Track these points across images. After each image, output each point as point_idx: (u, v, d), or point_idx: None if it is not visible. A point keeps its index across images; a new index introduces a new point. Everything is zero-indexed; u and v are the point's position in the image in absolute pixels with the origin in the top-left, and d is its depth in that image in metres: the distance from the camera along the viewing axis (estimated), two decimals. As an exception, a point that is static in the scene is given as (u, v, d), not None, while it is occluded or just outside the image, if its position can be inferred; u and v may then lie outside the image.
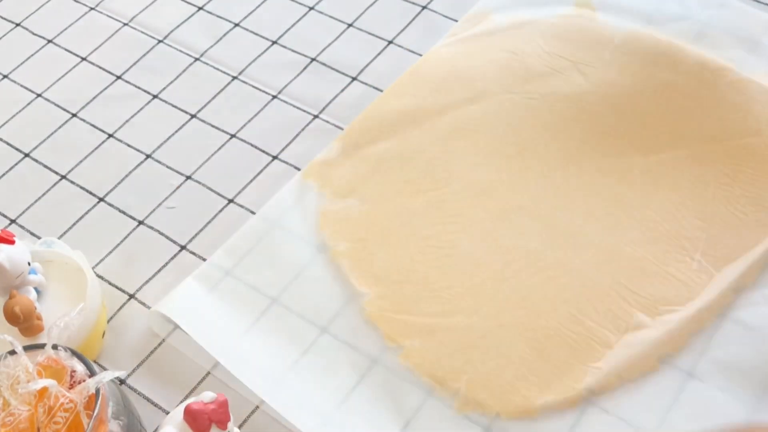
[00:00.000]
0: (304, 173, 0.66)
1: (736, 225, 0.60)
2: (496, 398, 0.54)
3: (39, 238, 0.62)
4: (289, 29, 0.77)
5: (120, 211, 0.66)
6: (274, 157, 0.68)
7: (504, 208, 0.62)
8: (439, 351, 0.56)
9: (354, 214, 0.64)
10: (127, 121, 0.71)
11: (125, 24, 0.79)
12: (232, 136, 0.70)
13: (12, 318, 0.52)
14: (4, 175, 0.69)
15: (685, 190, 0.62)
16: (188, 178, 0.67)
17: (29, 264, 0.55)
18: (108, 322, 0.59)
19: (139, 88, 0.74)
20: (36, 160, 0.69)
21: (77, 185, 0.67)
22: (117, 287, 0.61)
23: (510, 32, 0.73)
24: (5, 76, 0.76)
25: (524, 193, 0.63)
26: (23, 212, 0.66)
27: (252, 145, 0.69)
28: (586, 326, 0.56)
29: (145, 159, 0.69)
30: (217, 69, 0.74)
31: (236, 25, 0.77)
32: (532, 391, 0.54)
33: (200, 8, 0.79)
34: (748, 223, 0.60)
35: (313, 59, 0.74)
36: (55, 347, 0.48)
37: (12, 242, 0.54)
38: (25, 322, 0.53)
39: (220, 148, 0.69)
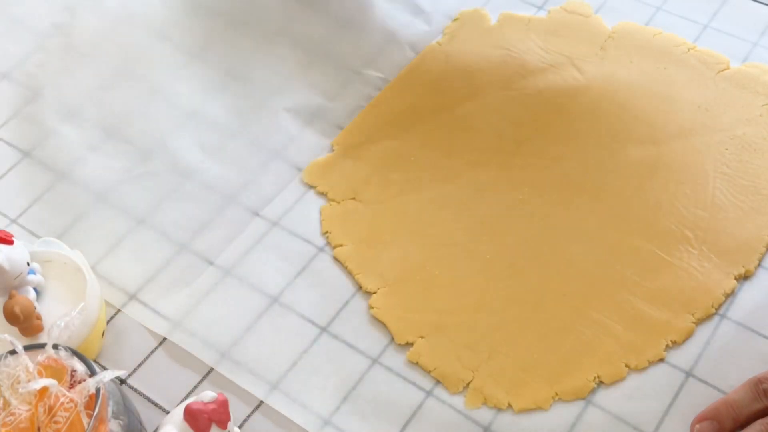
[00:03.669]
0: (304, 174, 0.66)
1: (736, 213, 0.61)
2: (507, 392, 0.54)
3: (38, 237, 0.62)
4: (288, 29, 0.77)
5: (120, 210, 0.66)
6: (275, 157, 0.68)
7: (505, 203, 0.63)
8: (447, 348, 0.56)
9: (356, 214, 0.64)
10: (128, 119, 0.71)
11: None
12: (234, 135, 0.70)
13: (12, 318, 0.52)
14: (4, 175, 0.69)
15: (684, 180, 0.63)
16: (189, 178, 0.67)
17: (28, 264, 0.55)
18: (108, 322, 0.59)
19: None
20: (36, 160, 0.69)
21: (77, 185, 0.67)
22: (117, 287, 0.61)
23: (505, 29, 0.73)
24: (5, 76, 0.76)
25: (524, 189, 0.63)
26: (23, 212, 0.66)
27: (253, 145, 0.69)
28: (593, 318, 0.57)
29: (146, 158, 0.69)
30: (217, 69, 0.74)
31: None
32: (543, 383, 0.54)
33: None
34: (748, 211, 0.61)
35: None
36: (55, 347, 0.48)
37: (11, 242, 0.54)
38: (25, 322, 0.53)
39: (221, 148, 0.69)
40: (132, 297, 0.61)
